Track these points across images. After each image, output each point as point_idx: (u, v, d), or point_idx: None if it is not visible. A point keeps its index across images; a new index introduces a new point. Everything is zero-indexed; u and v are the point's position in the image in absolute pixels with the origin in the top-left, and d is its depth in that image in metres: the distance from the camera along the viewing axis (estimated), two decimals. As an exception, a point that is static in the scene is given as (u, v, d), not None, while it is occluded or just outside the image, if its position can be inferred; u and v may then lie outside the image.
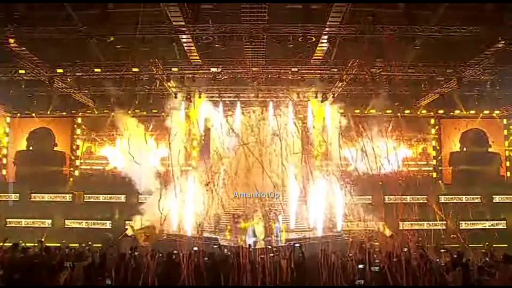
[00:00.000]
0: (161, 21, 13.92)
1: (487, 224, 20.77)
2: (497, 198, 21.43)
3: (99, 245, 16.11)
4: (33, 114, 21.94)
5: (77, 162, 22.69)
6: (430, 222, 19.96)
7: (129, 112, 20.41)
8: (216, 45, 15.25)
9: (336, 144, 19.86)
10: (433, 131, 22.47)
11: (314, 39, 14.68)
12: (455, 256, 8.66)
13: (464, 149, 22.09)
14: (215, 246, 12.66)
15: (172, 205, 17.40)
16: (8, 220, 20.84)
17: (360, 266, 8.93)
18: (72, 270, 7.38)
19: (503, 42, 14.15)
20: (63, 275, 7.00)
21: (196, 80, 17.75)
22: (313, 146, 20.67)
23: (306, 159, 19.28)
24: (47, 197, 21.61)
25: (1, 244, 9.82)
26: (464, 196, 21.41)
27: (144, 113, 21.31)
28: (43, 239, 14.33)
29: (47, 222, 20.91)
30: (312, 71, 17.43)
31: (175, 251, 9.75)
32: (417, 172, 22.60)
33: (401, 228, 18.36)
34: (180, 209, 17.77)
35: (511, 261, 8.01)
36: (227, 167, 19.91)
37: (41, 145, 22.20)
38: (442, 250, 9.54)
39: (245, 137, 20.21)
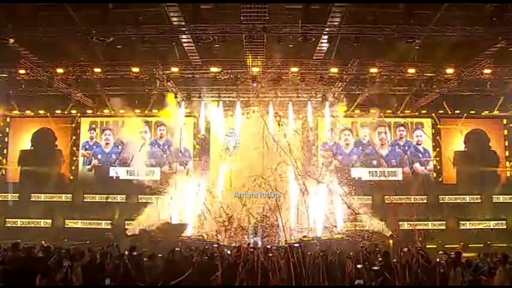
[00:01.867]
0: (161, 21, 13.94)
1: (491, 224, 20.66)
2: (500, 198, 21.32)
3: (99, 245, 16.08)
4: (32, 114, 21.94)
5: (77, 162, 22.67)
6: (433, 222, 20.01)
7: (129, 112, 20.44)
8: (216, 45, 15.27)
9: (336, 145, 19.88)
10: (433, 130, 22.41)
11: (314, 39, 14.67)
12: (453, 255, 8.64)
13: (466, 150, 22.02)
14: (215, 246, 12.65)
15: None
16: (7, 220, 20.79)
17: (360, 266, 8.91)
18: (70, 269, 7.37)
19: (503, 42, 14.15)
20: (60, 273, 7.00)
21: (196, 80, 17.76)
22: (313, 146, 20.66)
23: (306, 159, 19.27)
24: (43, 197, 21.44)
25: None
26: (468, 196, 21.33)
27: (146, 112, 21.31)
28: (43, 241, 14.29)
29: (47, 222, 20.87)
30: (312, 71, 17.42)
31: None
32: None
33: (401, 228, 18.35)
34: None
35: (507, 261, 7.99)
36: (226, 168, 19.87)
37: (43, 145, 22.17)
38: (440, 252, 9.54)
39: (245, 138, 20.15)
